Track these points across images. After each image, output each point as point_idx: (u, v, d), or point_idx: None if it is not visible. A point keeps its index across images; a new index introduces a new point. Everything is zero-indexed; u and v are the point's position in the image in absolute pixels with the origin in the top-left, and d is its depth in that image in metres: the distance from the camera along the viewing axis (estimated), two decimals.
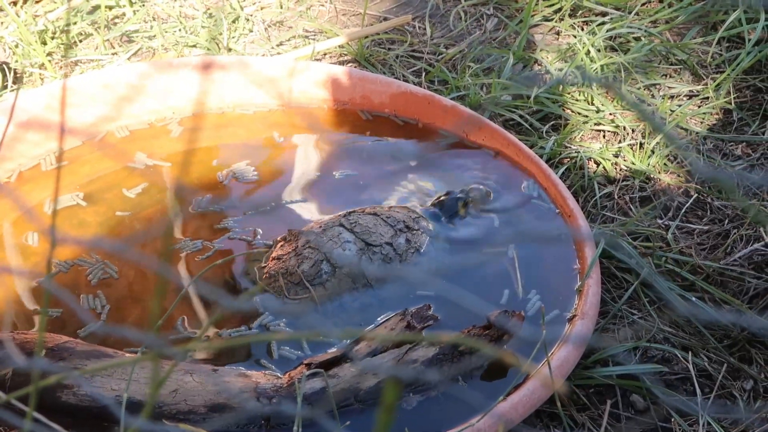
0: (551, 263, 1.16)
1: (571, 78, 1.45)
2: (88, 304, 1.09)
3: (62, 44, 1.52)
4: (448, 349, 0.99)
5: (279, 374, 0.99)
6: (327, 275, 1.09)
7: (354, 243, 1.10)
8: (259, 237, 1.17)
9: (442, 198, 1.21)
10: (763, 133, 1.39)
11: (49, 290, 0.93)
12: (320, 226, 1.13)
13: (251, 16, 1.63)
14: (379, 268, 0.72)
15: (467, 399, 0.98)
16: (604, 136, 1.39)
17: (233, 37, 1.57)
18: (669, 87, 1.48)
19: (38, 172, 1.27)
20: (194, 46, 1.55)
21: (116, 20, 1.61)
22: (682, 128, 1.40)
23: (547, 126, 1.40)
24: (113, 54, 1.54)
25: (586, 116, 1.41)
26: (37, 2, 1.63)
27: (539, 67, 1.51)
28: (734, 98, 1.44)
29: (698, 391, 1.05)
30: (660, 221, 1.26)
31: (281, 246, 1.13)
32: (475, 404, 0.97)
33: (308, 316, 1.05)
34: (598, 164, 1.34)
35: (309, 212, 1.21)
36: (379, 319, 1.07)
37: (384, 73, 1.50)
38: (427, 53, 1.55)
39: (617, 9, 1.61)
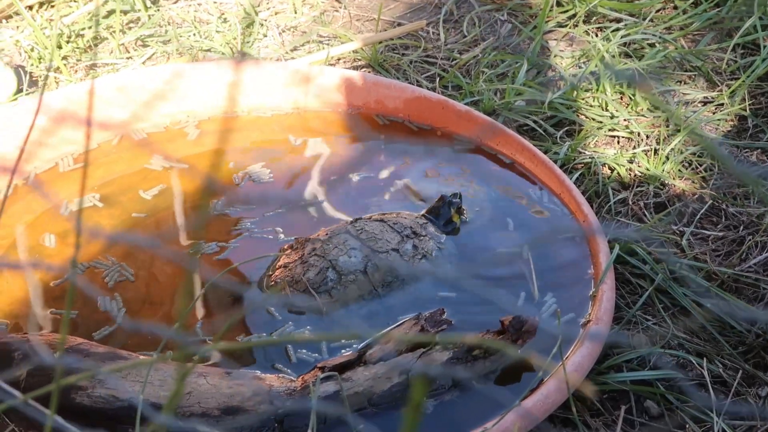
0: (566, 267, 1.16)
1: (585, 83, 1.45)
2: (105, 306, 1.10)
3: (78, 48, 1.53)
4: (461, 353, 0.99)
5: (293, 377, 0.99)
6: (333, 283, 1.08)
7: (360, 250, 1.10)
8: (281, 235, 1.17)
9: (435, 204, 1.20)
10: None
11: (74, 285, 0.93)
12: (326, 234, 1.13)
13: (266, 21, 1.63)
14: (409, 267, 0.72)
15: (482, 403, 0.98)
16: (618, 142, 1.39)
17: (248, 42, 1.58)
18: (684, 93, 1.47)
19: (55, 174, 1.27)
20: (209, 50, 1.56)
21: (131, 24, 1.62)
22: (697, 135, 1.40)
23: (561, 131, 1.39)
24: (128, 58, 1.54)
25: (601, 122, 1.41)
26: (52, 6, 1.63)
27: (553, 72, 1.51)
28: (749, 105, 1.44)
29: (713, 397, 1.04)
30: (675, 227, 1.25)
31: (288, 254, 1.14)
32: (490, 408, 0.97)
33: (328, 316, 1.05)
34: (612, 170, 1.33)
35: (325, 214, 1.21)
36: (393, 324, 1.06)
37: (398, 78, 1.50)
38: (441, 59, 1.56)
39: (631, 15, 1.61)
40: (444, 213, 1.19)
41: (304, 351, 1.03)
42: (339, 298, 1.08)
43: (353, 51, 1.55)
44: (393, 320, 1.07)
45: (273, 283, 1.10)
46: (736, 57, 1.53)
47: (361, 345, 1.04)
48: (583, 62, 1.53)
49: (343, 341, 1.02)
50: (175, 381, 0.53)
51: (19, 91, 1.45)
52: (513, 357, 0.86)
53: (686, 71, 1.52)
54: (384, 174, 1.29)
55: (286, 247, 1.15)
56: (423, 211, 1.20)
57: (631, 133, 1.39)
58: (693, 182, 1.32)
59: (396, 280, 1.10)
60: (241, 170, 1.28)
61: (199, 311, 1.09)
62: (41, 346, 0.90)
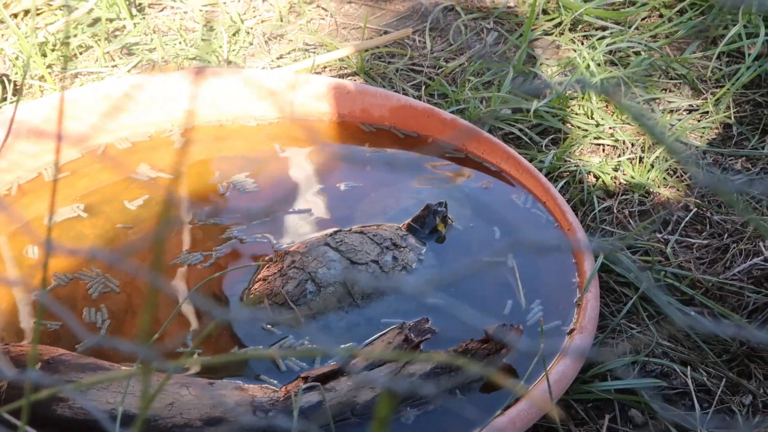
0: (551, 275, 1.16)
1: (571, 92, 1.45)
2: (90, 317, 1.09)
3: (62, 56, 1.53)
4: (456, 357, 0.99)
5: (276, 387, 0.98)
6: (312, 295, 1.08)
7: (339, 262, 1.10)
8: (267, 244, 1.17)
9: (420, 213, 1.20)
10: (763, 148, 1.39)
11: (45, 304, 0.93)
12: (306, 246, 1.13)
13: (251, 29, 1.63)
14: (371, 280, 0.71)
15: (465, 413, 0.98)
16: (603, 150, 1.39)
17: (233, 50, 1.58)
18: (669, 101, 1.48)
19: (39, 183, 1.27)
20: (194, 58, 1.55)
21: (117, 33, 1.62)
22: (682, 142, 1.40)
23: (546, 140, 1.40)
24: (113, 66, 1.54)
25: (586, 130, 1.41)
26: (38, 14, 1.63)
27: (539, 81, 1.51)
28: (734, 113, 1.44)
29: (697, 406, 1.04)
30: (659, 235, 1.25)
31: (267, 267, 1.13)
32: (473, 418, 0.97)
33: (305, 329, 1.05)
34: (597, 178, 1.34)
35: (311, 224, 1.21)
36: (374, 335, 1.06)
37: (384, 86, 1.50)
38: (427, 67, 1.56)
39: (617, 23, 1.62)
40: (429, 222, 1.19)
41: (293, 360, 1.03)
42: (318, 310, 1.07)
43: (339, 59, 1.55)
44: (373, 331, 1.06)
45: (252, 296, 1.10)
46: (721, 65, 1.53)
47: (345, 355, 1.04)
48: (569, 70, 1.53)
49: (328, 355, 1.02)
50: (141, 396, 0.53)
51: (3, 99, 1.45)
52: (481, 373, 0.86)
53: (671, 79, 1.52)
54: (369, 183, 1.28)
55: (266, 259, 1.15)
56: (408, 220, 1.20)
57: (617, 141, 1.39)
58: (678, 190, 1.32)
59: (376, 291, 1.10)
60: (225, 180, 1.28)
61: (193, 321, 1.09)
62: (2, 358, 0.90)
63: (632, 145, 1.39)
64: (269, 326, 1.06)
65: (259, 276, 1.12)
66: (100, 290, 1.12)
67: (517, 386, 0.85)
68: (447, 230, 1.20)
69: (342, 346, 1.05)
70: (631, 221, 1.28)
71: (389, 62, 1.56)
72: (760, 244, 1.23)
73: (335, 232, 1.15)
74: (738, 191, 1.07)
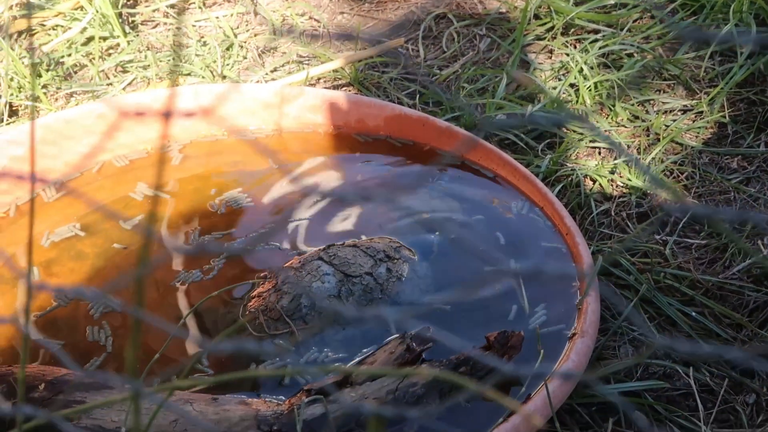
0: (552, 279, 1.16)
1: (565, 95, 1.46)
2: (93, 336, 1.09)
3: (57, 76, 1.53)
4: (449, 370, 0.99)
5: (280, 401, 0.99)
6: (307, 309, 1.08)
7: (333, 275, 1.10)
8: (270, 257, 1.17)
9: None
10: (758, 146, 1.40)
11: (28, 337, 0.93)
12: (299, 262, 1.13)
13: (245, 42, 1.64)
14: (355, 309, 0.70)
15: (469, 420, 0.98)
16: (599, 153, 1.40)
17: (227, 65, 1.58)
18: (663, 102, 1.48)
19: (39, 204, 1.27)
20: (189, 74, 1.56)
21: (111, 51, 1.62)
22: (677, 143, 1.40)
23: (542, 144, 1.40)
24: (108, 84, 1.54)
25: (581, 134, 1.41)
26: (32, 35, 1.63)
27: (533, 85, 1.51)
28: (728, 112, 1.45)
29: (700, 406, 1.04)
30: (658, 237, 1.26)
31: (262, 284, 1.14)
32: (478, 425, 0.97)
33: (289, 355, 1.05)
34: (594, 181, 1.34)
35: (307, 238, 1.21)
36: (370, 348, 1.06)
37: (378, 96, 1.50)
38: (421, 75, 1.56)
39: (609, 26, 1.62)
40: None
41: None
42: (313, 324, 1.07)
43: (333, 70, 1.55)
44: (369, 345, 1.06)
45: (247, 312, 1.10)
46: (714, 64, 1.54)
47: (348, 366, 1.04)
48: (563, 74, 1.54)
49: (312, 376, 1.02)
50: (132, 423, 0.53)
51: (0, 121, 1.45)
52: (475, 390, 0.86)
53: (665, 80, 1.52)
54: (366, 195, 1.28)
55: (261, 276, 1.15)
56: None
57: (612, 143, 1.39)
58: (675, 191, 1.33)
59: (371, 303, 1.10)
60: (217, 197, 1.28)
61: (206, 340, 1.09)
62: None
63: (628, 147, 1.39)
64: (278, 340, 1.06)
65: (254, 293, 1.12)
66: (101, 310, 1.12)
67: (511, 402, 0.85)
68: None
69: (336, 364, 1.05)
70: (629, 223, 1.28)
71: (383, 72, 1.57)
72: (759, 242, 1.23)
73: (328, 246, 1.15)
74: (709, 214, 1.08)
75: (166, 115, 0.45)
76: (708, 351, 0.43)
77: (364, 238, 1.19)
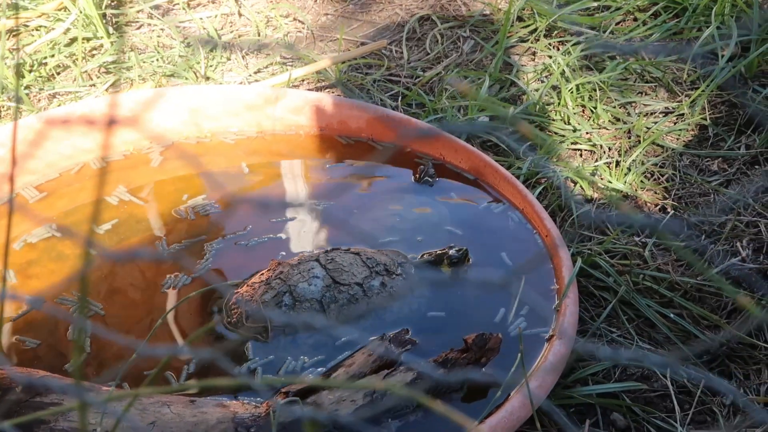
0: (530, 282, 1.16)
1: (547, 97, 1.46)
2: (74, 336, 1.09)
3: (40, 77, 1.53)
4: (426, 373, 0.99)
5: (257, 403, 0.99)
6: (287, 308, 1.08)
7: (322, 279, 1.10)
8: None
9: (439, 253, 1.18)
10: (739, 148, 1.40)
11: None
12: (298, 260, 1.13)
13: (229, 44, 1.64)
14: (282, 316, 0.69)
15: (447, 422, 0.98)
16: (581, 155, 1.40)
17: (211, 66, 1.58)
18: (645, 104, 1.48)
19: (18, 205, 1.27)
20: (172, 75, 1.56)
21: (94, 52, 1.62)
22: (658, 145, 1.41)
23: (524, 146, 1.40)
24: (91, 86, 1.54)
25: (563, 136, 1.42)
26: (14, 36, 1.63)
27: (516, 87, 1.52)
28: (709, 114, 1.45)
29: (677, 407, 1.05)
30: (637, 239, 1.26)
31: (261, 273, 1.14)
32: (454, 428, 0.97)
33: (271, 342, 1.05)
34: (575, 183, 1.34)
35: (286, 243, 1.21)
36: (339, 355, 1.06)
37: (362, 97, 1.51)
38: (404, 77, 1.56)
39: (592, 29, 1.63)
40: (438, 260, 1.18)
41: (269, 376, 1.03)
42: (289, 324, 1.08)
43: (317, 72, 1.55)
44: (337, 354, 1.06)
45: (234, 300, 1.10)
46: (695, 67, 1.54)
47: (328, 367, 1.05)
48: (545, 76, 1.54)
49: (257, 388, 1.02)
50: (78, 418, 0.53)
51: None
52: (458, 383, 0.87)
53: (647, 82, 1.53)
54: (347, 199, 1.28)
55: (267, 267, 1.14)
56: (423, 255, 1.19)
57: (594, 145, 1.40)
58: (655, 193, 1.33)
59: (352, 314, 1.09)
60: (182, 204, 1.27)
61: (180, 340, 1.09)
62: None
63: (609, 149, 1.40)
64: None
65: (252, 280, 1.12)
66: (84, 313, 1.12)
67: (466, 421, 0.85)
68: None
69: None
70: (608, 225, 1.28)
71: (366, 73, 1.57)
72: (737, 244, 1.24)
73: (331, 250, 1.15)
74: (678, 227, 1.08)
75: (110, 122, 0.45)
76: (628, 355, 0.43)
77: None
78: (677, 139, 1.43)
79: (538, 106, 1.45)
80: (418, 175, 1.30)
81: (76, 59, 1.58)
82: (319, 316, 1.07)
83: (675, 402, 1.06)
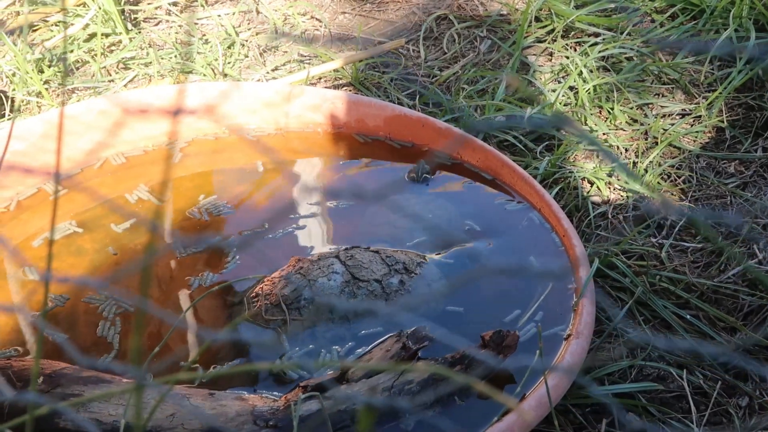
0: (549, 280, 1.16)
1: (564, 98, 1.46)
2: (104, 332, 1.10)
3: (59, 72, 1.54)
4: (443, 368, 1.00)
5: (276, 397, 0.99)
6: (305, 302, 1.09)
7: (342, 275, 1.11)
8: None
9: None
10: (756, 151, 1.40)
11: (42, 329, 0.94)
12: (318, 256, 1.14)
13: (246, 41, 1.64)
14: (345, 304, 0.69)
15: (464, 417, 0.99)
16: (597, 156, 1.40)
17: (229, 63, 1.59)
18: (662, 106, 1.49)
19: (39, 199, 1.28)
20: (190, 72, 1.57)
21: (113, 48, 1.63)
22: (675, 147, 1.41)
23: (540, 146, 1.41)
24: (110, 81, 1.55)
25: (580, 136, 1.42)
26: (34, 31, 1.64)
27: (533, 88, 1.52)
28: (726, 116, 1.46)
29: (693, 408, 1.05)
30: (654, 240, 1.26)
31: (281, 270, 1.15)
32: (473, 423, 0.98)
33: (276, 347, 1.06)
34: (591, 184, 1.35)
35: (305, 242, 1.22)
36: (358, 349, 1.07)
37: (379, 96, 1.51)
38: (421, 76, 1.57)
39: (609, 30, 1.63)
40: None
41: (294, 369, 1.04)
42: (308, 317, 1.08)
43: (334, 70, 1.56)
44: (356, 347, 1.07)
45: (254, 293, 1.11)
46: (713, 69, 1.54)
47: (347, 361, 1.05)
48: (562, 77, 1.54)
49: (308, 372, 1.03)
50: (135, 412, 0.53)
51: (1, 116, 1.46)
52: (463, 383, 0.87)
53: (664, 84, 1.53)
54: (365, 197, 1.29)
55: (290, 262, 1.15)
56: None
57: (610, 146, 1.40)
58: (672, 194, 1.33)
59: (369, 309, 1.10)
60: (194, 205, 1.28)
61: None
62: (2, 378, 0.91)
63: (626, 150, 1.40)
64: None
65: (274, 275, 1.13)
66: (113, 311, 1.13)
67: (509, 399, 0.86)
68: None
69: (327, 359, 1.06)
70: (625, 226, 1.29)
71: (384, 72, 1.58)
72: (754, 246, 1.24)
73: (351, 247, 1.15)
74: (709, 219, 1.09)
75: (175, 112, 0.46)
76: (684, 346, 0.44)
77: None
78: (694, 141, 1.43)
79: (555, 107, 1.45)
80: (414, 174, 1.30)
81: (95, 55, 1.59)
82: (380, 302, 1.08)
83: (691, 403, 1.06)
